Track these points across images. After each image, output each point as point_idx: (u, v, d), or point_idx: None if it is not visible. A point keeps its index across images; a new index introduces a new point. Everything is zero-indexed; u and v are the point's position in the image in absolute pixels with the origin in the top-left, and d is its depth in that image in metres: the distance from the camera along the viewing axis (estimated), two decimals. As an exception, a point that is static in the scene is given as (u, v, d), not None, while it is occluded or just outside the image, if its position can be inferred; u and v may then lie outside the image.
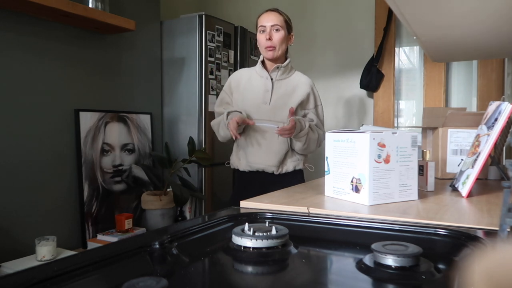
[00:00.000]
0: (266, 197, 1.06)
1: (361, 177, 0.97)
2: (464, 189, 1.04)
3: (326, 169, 1.09)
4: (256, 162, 1.77)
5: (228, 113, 1.73)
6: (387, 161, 0.97)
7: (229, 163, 1.90)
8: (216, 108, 1.88)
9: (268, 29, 1.76)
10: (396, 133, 0.99)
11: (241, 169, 1.82)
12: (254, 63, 2.17)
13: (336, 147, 1.05)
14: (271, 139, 1.75)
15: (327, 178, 1.09)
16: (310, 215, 0.87)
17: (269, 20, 1.77)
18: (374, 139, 0.95)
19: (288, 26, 1.81)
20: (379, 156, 0.96)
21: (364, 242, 0.75)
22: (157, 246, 0.65)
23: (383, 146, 0.97)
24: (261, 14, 1.81)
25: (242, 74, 1.87)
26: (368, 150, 0.95)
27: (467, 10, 1.02)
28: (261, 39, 1.78)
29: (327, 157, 1.09)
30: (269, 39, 1.75)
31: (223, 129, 1.77)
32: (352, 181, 1.00)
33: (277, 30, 1.76)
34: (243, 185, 1.83)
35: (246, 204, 0.98)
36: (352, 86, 2.99)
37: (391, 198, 0.99)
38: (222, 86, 2.77)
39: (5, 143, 1.89)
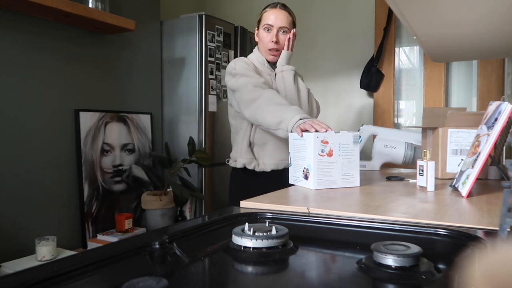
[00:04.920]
0: (266, 197, 1.06)
1: (309, 167, 1.19)
2: (464, 189, 1.04)
3: (289, 162, 1.31)
4: (282, 159, 1.60)
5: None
6: (330, 154, 1.19)
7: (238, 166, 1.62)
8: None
9: (275, 30, 1.56)
10: (339, 133, 1.20)
11: (268, 170, 1.60)
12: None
13: (294, 144, 1.28)
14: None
15: (290, 169, 1.31)
16: (310, 215, 0.87)
17: (277, 21, 1.56)
18: (317, 137, 1.17)
19: (294, 25, 1.62)
20: (323, 151, 1.18)
21: (364, 242, 0.75)
22: (157, 246, 0.65)
23: (326, 143, 1.18)
24: (268, 10, 1.58)
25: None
26: (312, 146, 1.17)
27: (467, 10, 1.02)
28: (266, 39, 1.57)
29: (290, 153, 1.31)
30: (276, 42, 1.56)
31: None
32: (303, 171, 1.22)
33: (284, 32, 1.58)
34: (266, 185, 1.50)
35: (246, 204, 0.98)
36: (352, 86, 2.99)
37: (334, 184, 1.19)
38: (222, 86, 2.77)
39: (5, 143, 1.89)
